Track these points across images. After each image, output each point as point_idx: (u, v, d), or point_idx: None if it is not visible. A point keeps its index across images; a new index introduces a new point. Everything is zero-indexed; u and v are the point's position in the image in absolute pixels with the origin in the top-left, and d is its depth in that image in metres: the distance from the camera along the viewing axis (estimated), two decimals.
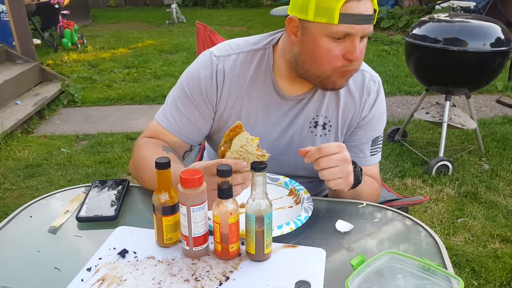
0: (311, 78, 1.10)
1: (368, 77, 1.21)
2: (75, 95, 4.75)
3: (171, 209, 0.89)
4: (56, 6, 7.10)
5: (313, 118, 1.20)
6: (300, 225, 0.96)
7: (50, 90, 4.81)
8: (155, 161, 0.87)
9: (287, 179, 1.17)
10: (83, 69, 5.98)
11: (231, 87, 1.17)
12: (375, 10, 1.02)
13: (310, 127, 1.21)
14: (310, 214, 1.00)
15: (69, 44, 7.08)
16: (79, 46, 7.22)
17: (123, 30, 9.23)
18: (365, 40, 1.05)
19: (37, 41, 6.15)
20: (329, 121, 1.21)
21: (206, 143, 1.43)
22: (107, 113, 4.48)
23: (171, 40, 7.85)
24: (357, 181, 1.05)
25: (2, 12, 4.93)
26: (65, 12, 7.21)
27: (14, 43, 5.07)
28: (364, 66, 1.23)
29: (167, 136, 1.19)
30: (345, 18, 0.98)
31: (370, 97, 1.21)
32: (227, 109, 1.19)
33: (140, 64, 6.23)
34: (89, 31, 9.01)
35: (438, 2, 6.48)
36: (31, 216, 1.06)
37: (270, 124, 1.20)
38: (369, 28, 1.02)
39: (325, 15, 0.98)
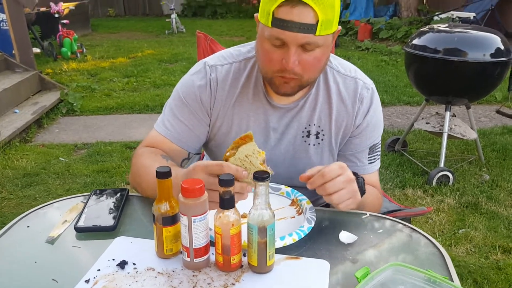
0: (264, 79, 1.14)
1: (361, 85, 1.20)
2: (74, 104, 4.74)
3: (172, 219, 0.87)
4: (56, 15, 7.12)
5: (306, 128, 1.20)
6: (303, 236, 0.95)
7: (49, 99, 4.80)
8: (156, 170, 0.85)
9: (289, 189, 1.16)
10: (82, 78, 5.97)
11: (224, 95, 1.19)
12: (319, 21, 0.96)
13: (303, 137, 1.20)
14: (313, 224, 0.98)
15: (69, 53, 7.08)
16: (79, 55, 7.23)
17: (123, 40, 9.25)
18: (316, 52, 1.01)
19: (36, 50, 6.15)
20: (322, 130, 1.20)
21: (204, 152, 1.42)
22: (106, 122, 4.47)
23: (171, 49, 7.86)
24: (362, 192, 1.03)
25: (2, 21, 4.94)
26: (64, 21, 7.23)
27: (13, 52, 5.07)
28: (358, 73, 1.23)
29: (166, 144, 1.19)
30: (277, 22, 0.98)
31: (363, 104, 1.19)
32: (220, 117, 1.20)
33: (140, 73, 6.23)
34: (89, 40, 9.02)
35: (437, 13, 6.52)
36: (28, 226, 1.04)
37: (262, 134, 1.20)
38: (304, 38, 0.97)
39: (264, 16, 1.01)
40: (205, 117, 1.20)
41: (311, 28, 0.97)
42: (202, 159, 1.58)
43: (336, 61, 1.22)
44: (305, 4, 0.95)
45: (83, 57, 7.22)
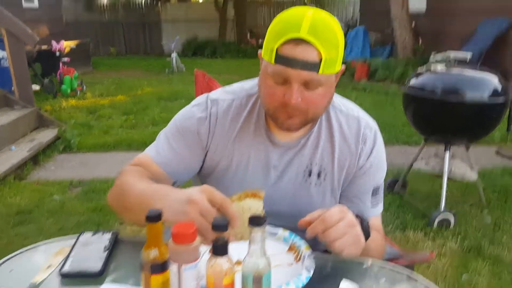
0: (266, 114, 1.12)
1: (364, 124, 1.18)
2: (72, 141, 4.72)
3: (161, 267, 0.82)
4: (57, 53, 7.22)
5: (307, 166, 1.17)
6: (301, 286, 0.89)
7: (46, 135, 4.78)
8: (146, 215, 0.81)
9: (286, 233, 1.11)
10: (81, 115, 5.99)
11: (224, 130, 1.17)
12: (323, 60, 0.96)
13: (304, 176, 1.17)
14: (311, 274, 0.93)
15: (68, 91, 7.13)
16: (78, 92, 7.28)
17: (123, 78, 9.36)
18: (318, 91, 1.01)
19: (36, 87, 6.20)
20: (324, 170, 1.17)
21: None
22: (103, 160, 4.43)
23: (170, 87, 7.93)
24: (366, 235, 1.00)
25: (3, 58, 4.98)
26: (65, 59, 7.33)
27: (13, 89, 5.10)
28: (361, 113, 1.21)
29: (153, 167, 1.15)
30: (281, 59, 0.98)
31: (366, 145, 1.17)
32: (218, 151, 1.17)
33: (139, 110, 6.25)
34: (89, 78, 9.12)
35: (433, 52, 6.63)
36: (11, 271, 0.98)
37: (262, 171, 1.17)
38: (307, 76, 0.98)
39: (268, 53, 1.01)
40: (200, 151, 1.18)
41: (314, 66, 0.97)
42: None
43: (338, 100, 1.21)
44: (309, 43, 0.95)
45: (83, 95, 7.27)
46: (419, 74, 2.98)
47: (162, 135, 1.20)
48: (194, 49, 13.96)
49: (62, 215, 3.16)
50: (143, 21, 15.10)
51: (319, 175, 1.17)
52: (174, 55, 10.22)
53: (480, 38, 5.99)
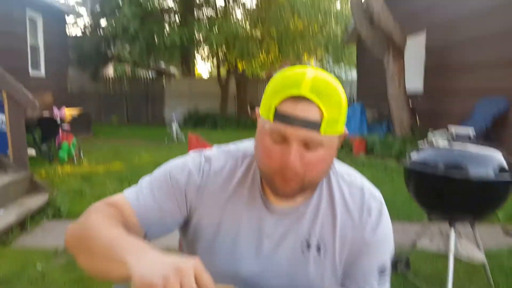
0: (262, 177, 1.03)
1: (368, 195, 1.08)
2: (62, 208, 4.58)
3: None
4: (58, 120, 7.28)
5: (305, 238, 1.05)
6: None
7: (37, 201, 4.64)
8: None
9: None
10: (75, 181, 5.88)
11: (214, 191, 1.07)
12: (324, 119, 0.90)
13: (301, 249, 1.05)
14: None
15: (65, 157, 7.09)
16: (75, 159, 7.24)
17: (122, 146, 9.37)
18: (319, 152, 0.93)
19: (31, 151, 6.16)
20: (324, 243, 1.05)
21: None
22: None
23: (168, 156, 7.75)
24: None
25: (2, 122, 4.98)
26: (66, 127, 7.38)
27: (8, 152, 5.04)
28: (365, 182, 1.12)
29: (127, 212, 1.02)
30: (280, 117, 0.91)
31: (371, 217, 1.06)
32: (205, 214, 1.07)
33: (134, 178, 6.14)
34: (88, 145, 9.13)
35: (430, 131, 6.68)
36: None
37: (254, 240, 1.05)
38: (307, 135, 0.90)
39: (266, 110, 0.95)
40: (183, 208, 1.06)
41: (315, 125, 0.90)
42: None
43: (340, 167, 1.13)
44: (310, 101, 0.89)
45: (80, 161, 7.22)
46: (421, 149, 2.93)
47: (146, 181, 1.09)
48: (195, 121, 14.21)
49: (42, 286, 2.95)
50: (147, 93, 15.48)
51: (318, 249, 1.05)
52: (174, 125, 10.35)
53: (479, 117, 6.06)
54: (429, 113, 8.72)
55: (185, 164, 1.09)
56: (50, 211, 4.54)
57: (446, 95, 8.08)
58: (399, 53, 8.42)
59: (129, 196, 1.05)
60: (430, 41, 8.77)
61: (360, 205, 1.06)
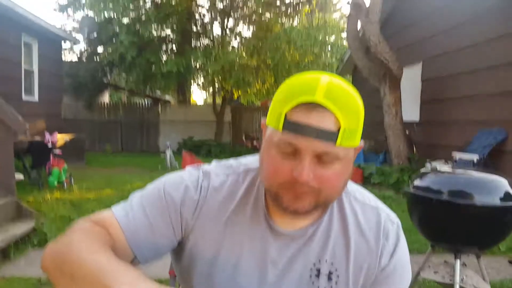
0: (268, 194, 0.89)
1: (384, 217, 0.96)
2: (48, 235, 4.39)
3: None
4: (49, 145, 7.13)
5: (315, 265, 0.92)
6: None
7: (22, 228, 4.47)
8: None
9: None
10: (64, 208, 5.69)
11: (213, 210, 0.93)
12: (341, 129, 0.79)
13: (311, 276, 0.92)
14: None
15: (55, 183, 6.92)
16: (66, 185, 7.06)
17: (115, 174, 9.20)
18: (335, 167, 0.82)
19: (19, 176, 5.98)
20: (336, 270, 0.92)
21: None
22: None
23: None
24: None
25: None
26: (57, 151, 7.22)
27: None
28: (379, 203, 1.00)
29: (115, 231, 0.89)
30: (290, 125, 0.79)
31: (389, 241, 0.94)
32: (203, 236, 0.93)
33: None
34: (80, 173, 8.95)
35: (428, 161, 6.59)
36: None
37: (257, 268, 0.92)
38: (322, 147, 0.79)
39: (275, 119, 0.83)
40: (177, 226, 0.93)
41: (331, 136, 0.78)
42: None
43: (351, 186, 1.00)
44: (326, 108, 0.78)
45: (70, 188, 7.04)
46: (424, 174, 2.81)
47: (137, 198, 0.96)
48: (190, 148, 14.06)
49: None
50: (142, 121, 15.41)
51: (329, 277, 0.92)
52: (169, 152, 10.22)
53: (477, 147, 6.00)
54: (426, 143, 8.67)
55: (182, 179, 0.96)
56: (36, 239, 4.37)
57: (443, 125, 8.05)
58: (396, 83, 8.43)
59: (117, 213, 0.93)
60: (426, 72, 8.81)
61: (376, 228, 0.95)
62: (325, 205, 0.89)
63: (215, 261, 0.93)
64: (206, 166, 1.00)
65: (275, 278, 0.92)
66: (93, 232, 0.86)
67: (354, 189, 1.00)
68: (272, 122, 0.83)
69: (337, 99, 0.79)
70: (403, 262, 0.95)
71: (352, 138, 0.81)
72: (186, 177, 0.97)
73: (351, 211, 0.96)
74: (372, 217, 0.96)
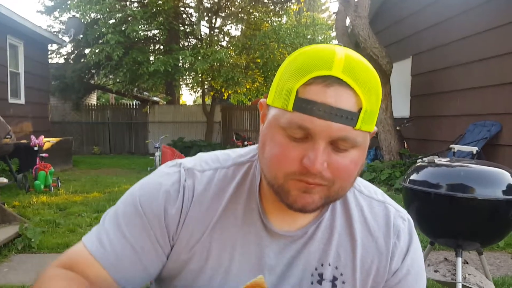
0: (269, 188, 0.74)
1: (393, 212, 0.84)
2: (32, 240, 4.22)
3: None
4: (35, 148, 6.96)
5: (316, 269, 0.80)
6: None
7: (5, 232, 4.28)
8: None
9: None
10: (49, 212, 5.52)
11: (200, 213, 0.79)
12: (362, 110, 0.67)
13: (312, 283, 0.80)
14: None
15: (42, 187, 6.76)
16: (52, 189, 6.89)
17: (102, 176, 9.02)
18: (351, 154, 0.69)
19: (3, 180, 5.80)
20: (342, 275, 0.80)
21: None
22: None
23: None
24: None
25: None
26: (44, 154, 7.06)
27: None
28: (386, 197, 0.88)
29: (92, 270, 0.76)
30: (303, 104, 0.66)
31: (400, 240, 0.82)
32: (190, 244, 0.79)
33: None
34: (67, 175, 8.77)
35: (419, 156, 6.51)
36: None
37: (252, 273, 0.79)
38: (340, 131, 0.66)
39: (282, 97, 0.68)
40: (164, 241, 0.79)
41: (351, 118, 0.66)
42: None
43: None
44: (345, 84, 0.65)
45: (56, 191, 6.88)
46: (420, 168, 2.70)
47: (111, 219, 0.81)
48: (180, 149, 13.88)
49: None
50: (130, 122, 15.21)
51: (333, 282, 0.80)
52: (157, 153, 10.05)
53: (470, 142, 5.93)
54: (417, 139, 8.62)
55: (159, 185, 0.81)
56: (20, 244, 4.19)
57: (434, 120, 8.00)
58: (385, 78, 8.36)
59: (90, 246, 0.78)
60: (416, 67, 8.76)
61: (385, 226, 0.83)
62: (335, 200, 0.76)
63: (202, 269, 0.80)
64: (187, 161, 0.85)
65: (272, 285, 0.80)
66: (62, 280, 0.74)
67: (358, 181, 0.87)
68: (278, 101, 0.69)
69: (358, 75, 0.66)
70: (417, 265, 0.83)
71: (371, 121, 0.69)
72: (164, 181, 0.81)
73: (357, 206, 0.84)
74: (380, 213, 0.84)
